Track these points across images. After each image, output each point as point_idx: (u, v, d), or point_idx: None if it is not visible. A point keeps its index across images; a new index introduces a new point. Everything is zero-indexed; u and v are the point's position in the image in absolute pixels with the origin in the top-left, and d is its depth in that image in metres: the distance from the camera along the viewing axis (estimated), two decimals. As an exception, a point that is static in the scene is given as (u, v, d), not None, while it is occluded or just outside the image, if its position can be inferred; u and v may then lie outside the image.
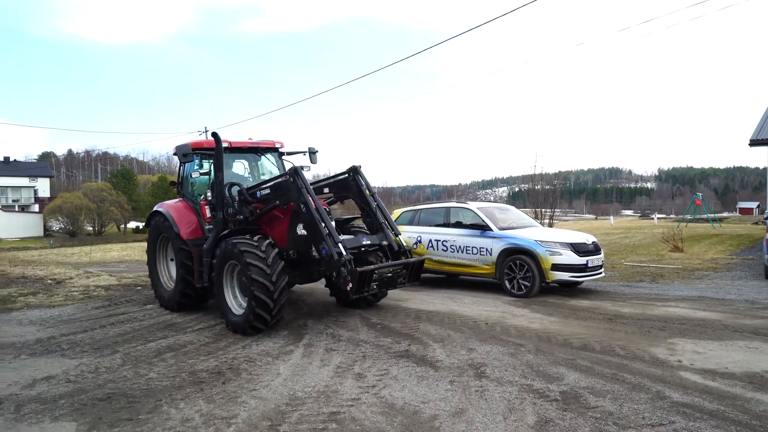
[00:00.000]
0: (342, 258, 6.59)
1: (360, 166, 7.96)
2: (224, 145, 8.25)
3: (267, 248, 6.93)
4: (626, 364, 5.37)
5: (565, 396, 4.53)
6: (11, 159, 73.10)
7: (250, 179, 9.26)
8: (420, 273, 7.57)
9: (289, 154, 9.57)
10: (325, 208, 7.40)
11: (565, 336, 6.60)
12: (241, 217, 7.97)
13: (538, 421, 4.05)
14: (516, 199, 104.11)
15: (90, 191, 55.60)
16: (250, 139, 9.19)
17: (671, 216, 76.56)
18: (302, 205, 7.07)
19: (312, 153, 9.42)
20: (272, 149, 9.47)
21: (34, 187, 69.06)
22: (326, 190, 8.33)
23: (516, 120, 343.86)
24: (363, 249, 7.57)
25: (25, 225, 55.09)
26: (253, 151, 9.33)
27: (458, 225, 11.03)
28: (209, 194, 8.35)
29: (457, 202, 11.92)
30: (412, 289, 10.87)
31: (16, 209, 62.81)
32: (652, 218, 58.58)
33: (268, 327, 7.04)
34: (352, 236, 7.79)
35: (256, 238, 7.17)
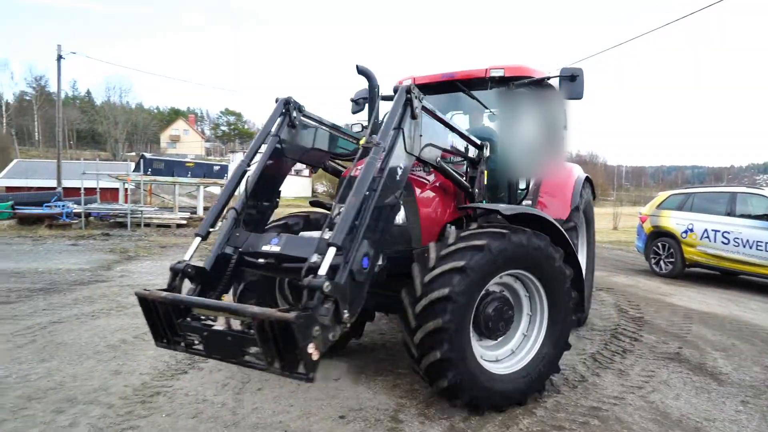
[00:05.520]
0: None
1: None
2: (407, 82, 5.42)
3: None
4: None
5: None
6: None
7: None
8: (296, 360, 2.62)
9: (521, 84, 5.07)
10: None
11: None
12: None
13: None
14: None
15: (349, 158, 63.18)
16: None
17: None
18: None
19: (567, 78, 4.90)
20: (486, 81, 5.14)
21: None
22: None
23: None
24: (269, 262, 3.44)
25: (299, 186, 65.92)
26: (452, 88, 5.37)
27: (745, 214, 9.11)
28: None
29: (747, 187, 9.85)
30: (677, 284, 9.47)
31: (292, 173, 75.25)
32: None
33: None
34: (259, 234, 3.69)
35: None
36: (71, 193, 22.54)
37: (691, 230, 9.72)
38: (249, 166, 3.89)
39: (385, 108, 4.92)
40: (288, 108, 4.04)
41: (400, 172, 3.42)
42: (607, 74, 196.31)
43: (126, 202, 21.45)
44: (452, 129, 4.23)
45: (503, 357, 3.92)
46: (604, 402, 4.00)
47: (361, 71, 4.73)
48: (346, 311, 2.79)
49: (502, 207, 3.96)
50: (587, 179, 6.14)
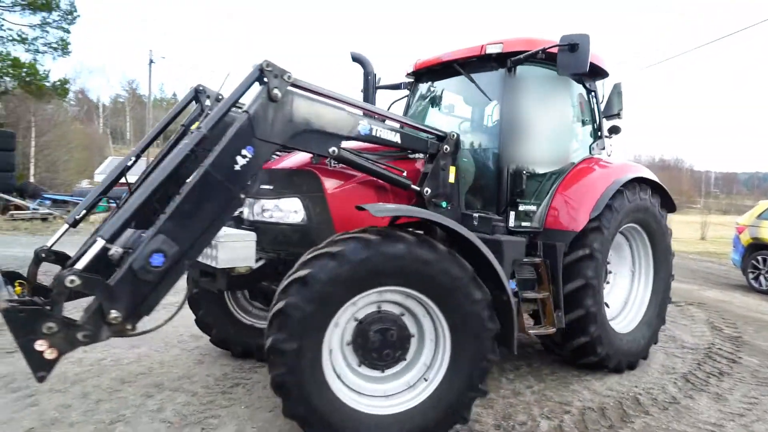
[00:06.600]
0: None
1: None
2: (409, 69, 5.00)
3: None
4: None
5: None
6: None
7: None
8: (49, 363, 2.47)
9: (517, 60, 4.15)
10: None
11: None
12: None
13: None
14: None
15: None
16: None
17: None
18: None
19: (566, 48, 3.75)
20: (486, 61, 4.35)
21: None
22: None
23: None
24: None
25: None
26: (455, 72, 4.56)
27: None
28: None
29: None
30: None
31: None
32: None
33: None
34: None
35: None
36: (158, 188, 23.97)
37: (797, 244, 8.85)
38: (137, 158, 3.75)
39: (383, 97, 4.36)
40: (200, 97, 3.74)
41: (241, 162, 2.88)
42: (696, 71, 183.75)
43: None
44: (385, 117, 3.62)
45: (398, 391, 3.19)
46: (700, 428, 3.69)
47: (356, 58, 4.41)
48: (114, 311, 2.53)
49: (375, 208, 3.10)
50: (640, 181, 4.78)
